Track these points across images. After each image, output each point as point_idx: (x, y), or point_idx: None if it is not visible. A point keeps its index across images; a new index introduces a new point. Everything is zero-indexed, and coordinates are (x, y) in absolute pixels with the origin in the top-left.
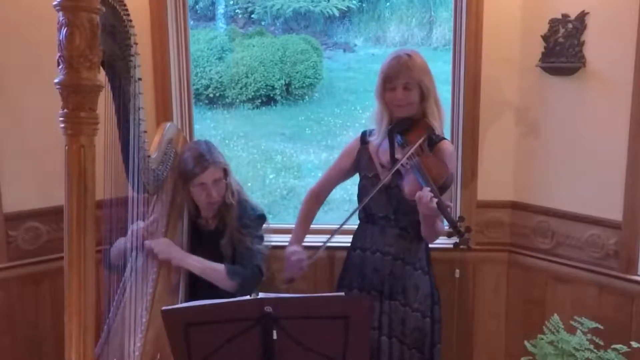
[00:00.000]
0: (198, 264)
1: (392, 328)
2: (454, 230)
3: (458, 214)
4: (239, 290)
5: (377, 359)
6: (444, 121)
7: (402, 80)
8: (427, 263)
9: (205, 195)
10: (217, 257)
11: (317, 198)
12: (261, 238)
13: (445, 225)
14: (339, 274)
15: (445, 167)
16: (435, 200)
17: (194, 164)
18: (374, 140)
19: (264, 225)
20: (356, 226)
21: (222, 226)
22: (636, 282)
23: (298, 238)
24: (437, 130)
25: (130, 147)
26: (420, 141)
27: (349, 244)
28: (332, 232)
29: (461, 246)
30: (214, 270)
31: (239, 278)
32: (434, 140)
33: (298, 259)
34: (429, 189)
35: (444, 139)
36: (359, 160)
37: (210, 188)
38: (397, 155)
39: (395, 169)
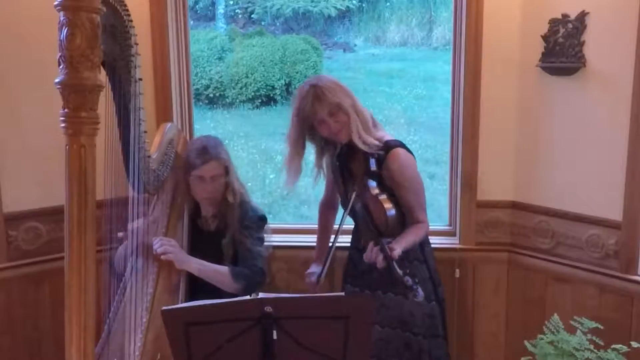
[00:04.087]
0: (202, 267)
1: (397, 321)
2: (400, 287)
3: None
4: (242, 293)
5: (380, 350)
6: (369, 120)
7: (325, 111)
8: (422, 252)
9: (201, 189)
10: (217, 258)
11: (328, 205)
12: (262, 240)
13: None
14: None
15: (383, 212)
16: (381, 258)
17: (197, 155)
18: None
19: (265, 226)
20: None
21: (222, 226)
22: (636, 282)
23: (318, 255)
24: (372, 146)
25: (130, 147)
26: (358, 187)
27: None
28: (329, 249)
29: (409, 296)
30: (218, 273)
31: (244, 280)
32: (381, 157)
33: (310, 282)
34: (377, 247)
35: (392, 148)
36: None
37: (207, 182)
38: (348, 191)
39: (348, 210)
